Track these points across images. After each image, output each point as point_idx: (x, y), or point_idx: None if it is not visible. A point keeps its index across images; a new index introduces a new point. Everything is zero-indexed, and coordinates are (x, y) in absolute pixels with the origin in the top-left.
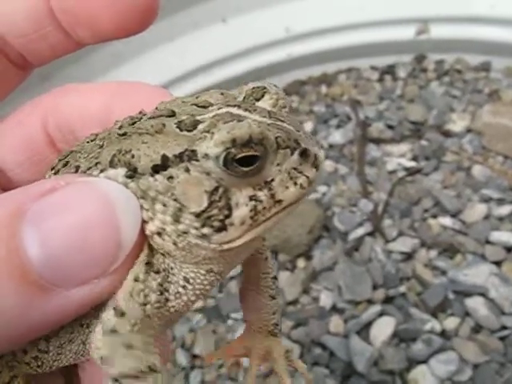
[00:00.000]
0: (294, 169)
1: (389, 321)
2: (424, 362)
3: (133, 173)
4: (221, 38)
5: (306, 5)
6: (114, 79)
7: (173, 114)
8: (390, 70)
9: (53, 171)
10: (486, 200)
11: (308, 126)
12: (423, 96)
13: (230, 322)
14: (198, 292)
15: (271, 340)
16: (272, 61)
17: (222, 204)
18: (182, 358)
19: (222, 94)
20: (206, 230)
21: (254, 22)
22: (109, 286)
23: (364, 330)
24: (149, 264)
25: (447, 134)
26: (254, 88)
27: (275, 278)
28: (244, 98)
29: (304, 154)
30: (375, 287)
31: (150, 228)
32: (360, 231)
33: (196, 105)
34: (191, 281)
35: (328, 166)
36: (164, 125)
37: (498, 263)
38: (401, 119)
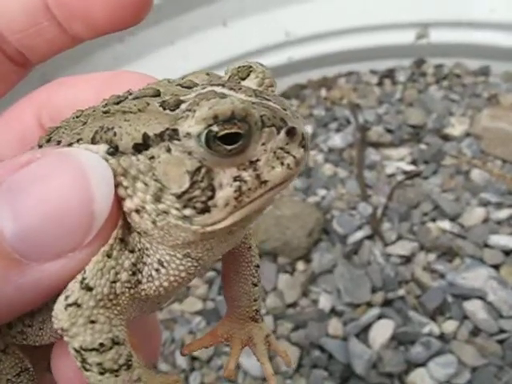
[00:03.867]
0: (281, 148)
1: (388, 324)
2: (423, 364)
3: (114, 150)
4: (221, 42)
5: (306, 9)
6: None
7: (158, 94)
8: (389, 74)
9: (37, 147)
10: (485, 204)
11: (307, 130)
12: (422, 100)
13: None
14: (171, 278)
15: (252, 325)
16: (272, 64)
17: (205, 185)
18: (181, 361)
19: (207, 74)
20: (187, 212)
21: (254, 26)
22: (83, 260)
23: (363, 333)
24: (124, 242)
25: (446, 138)
26: (239, 67)
27: (258, 266)
28: (229, 77)
29: (291, 132)
30: (374, 290)
31: (129, 205)
32: (359, 234)
33: (181, 85)
34: (165, 264)
35: (327, 169)
36: (148, 103)
37: (496, 267)
38: (400, 123)
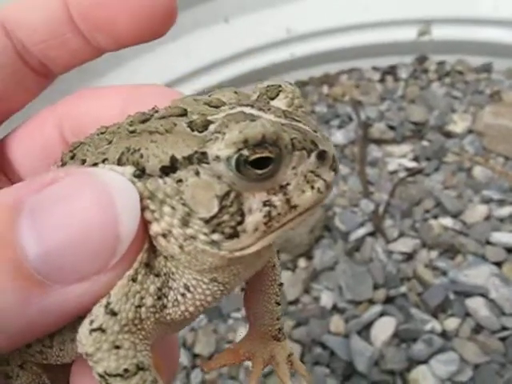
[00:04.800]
0: (311, 172)
1: (389, 321)
2: (424, 362)
3: (141, 172)
4: (223, 38)
5: (308, 5)
6: (117, 79)
7: (184, 113)
8: (391, 71)
9: (61, 163)
10: (487, 201)
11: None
12: (424, 97)
13: (230, 321)
14: (197, 303)
15: (275, 344)
16: (274, 61)
17: (234, 209)
18: (182, 358)
19: (235, 92)
20: (216, 237)
21: (256, 23)
22: (108, 283)
23: (365, 330)
24: (149, 266)
25: (448, 135)
26: (268, 86)
27: (281, 284)
28: (258, 96)
29: (321, 156)
30: (376, 287)
31: (155, 229)
32: (361, 231)
33: (208, 104)
34: (191, 289)
35: None
36: (175, 124)
37: (498, 264)
38: (402, 120)
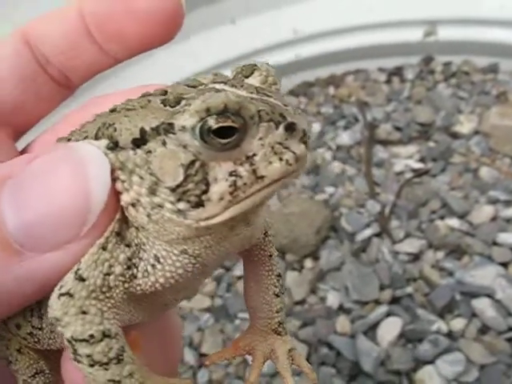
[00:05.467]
0: (280, 144)
1: (396, 321)
2: (431, 362)
3: (114, 145)
4: (230, 39)
5: (314, 6)
6: (123, 80)
7: (164, 93)
8: (397, 72)
9: None
10: (494, 201)
11: (316, 127)
12: (431, 98)
13: (237, 321)
14: (167, 274)
15: (275, 338)
16: (280, 62)
17: (199, 178)
18: (189, 357)
19: (215, 74)
20: (181, 205)
21: (262, 24)
22: (80, 252)
23: (371, 331)
24: (120, 235)
25: (455, 136)
26: (244, 66)
27: (279, 275)
28: (234, 75)
29: (290, 128)
30: (382, 288)
31: (125, 199)
32: (367, 232)
33: (187, 85)
34: (161, 260)
35: (336, 167)
36: (149, 101)
37: (504, 264)
38: (408, 121)
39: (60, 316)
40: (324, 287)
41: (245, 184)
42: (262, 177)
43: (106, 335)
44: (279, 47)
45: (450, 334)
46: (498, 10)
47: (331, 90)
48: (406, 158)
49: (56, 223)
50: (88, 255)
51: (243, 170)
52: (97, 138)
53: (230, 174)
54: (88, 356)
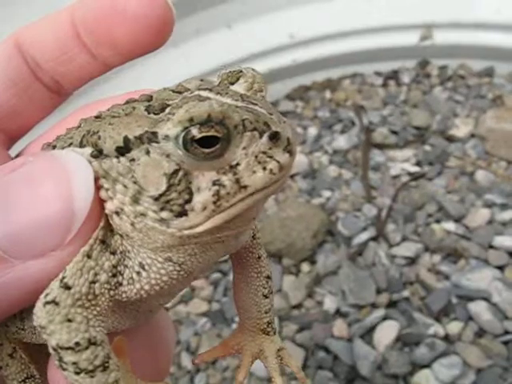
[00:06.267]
0: (263, 153)
1: (392, 325)
2: (427, 366)
3: (98, 153)
4: (226, 44)
5: (311, 11)
6: (118, 86)
7: (149, 99)
8: (393, 76)
9: None
10: (490, 205)
11: (312, 131)
12: (427, 101)
13: (234, 325)
14: (152, 281)
15: (264, 338)
16: (276, 66)
17: (182, 188)
18: (186, 362)
19: (201, 80)
20: (164, 214)
21: (258, 28)
22: (64, 259)
23: (368, 334)
24: (105, 243)
25: (451, 140)
26: (230, 72)
27: (268, 277)
28: (220, 82)
29: (274, 137)
30: (379, 291)
31: (110, 207)
32: (364, 236)
33: (173, 91)
34: (146, 267)
35: (332, 170)
36: (134, 108)
37: (501, 268)
38: (404, 124)
39: (45, 324)
40: (321, 291)
41: (228, 193)
42: (245, 186)
43: (91, 343)
44: (276, 51)
45: (446, 338)
46: (493, 14)
47: (328, 94)
48: (403, 162)
49: (40, 231)
50: (73, 263)
51: (226, 180)
52: (81, 145)
53: (214, 184)
54: (74, 364)
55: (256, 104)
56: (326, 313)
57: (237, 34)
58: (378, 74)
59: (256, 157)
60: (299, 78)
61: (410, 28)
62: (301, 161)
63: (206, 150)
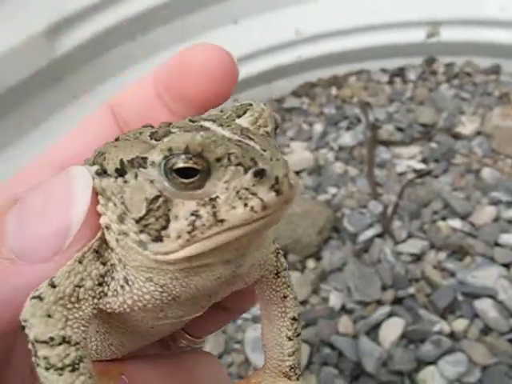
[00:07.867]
0: (246, 189)
1: (398, 322)
2: (433, 363)
3: (102, 172)
4: (232, 40)
5: (317, 7)
6: (124, 81)
7: (168, 126)
8: (400, 73)
9: None
10: (495, 202)
11: (318, 128)
12: (433, 98)
13: (239, 321)
14: (135, 297)
15: (284, 381)
16: (282, 63)
17: (160, 214)
18: None
19: (221, 111)
20: (143, 237)
21: (264, 24)
22: (61, 264)
23: (373, 331)
24: (98, 253)
25: (457, 137)
26: (240, 105)
27: (295, 318)
28: (230, 114)
29: (259, 174)
30: (384, 288)
31: (102, 221)
32: (369, 233)
33: (191, 120)
34: (130, 283)
35: (338, 167)
36: (140, 133)
37: (507, 265)
38: (411, 122)
39: (28, 317)
40: (326, 288)
41: (203, 225)
42: (221, 220)
43: (65, 341)
44: (281, 48)
45: (452, 335)
46: (500, 12)
47: (333, 91)
48: (409, 159)
49: (47, 237)
50: (65, 266)
51: (204, 212)
52: (93, 164)
53: (192, 214)
54: (45, 358)
55: (252, 139)
56: (331, 309)
57: (243, 30)
58: (384, 70)
59: (237, 192)
60: (305, 74)
61: (416, 25)
62: (306, 157)
63: (185, 181)
